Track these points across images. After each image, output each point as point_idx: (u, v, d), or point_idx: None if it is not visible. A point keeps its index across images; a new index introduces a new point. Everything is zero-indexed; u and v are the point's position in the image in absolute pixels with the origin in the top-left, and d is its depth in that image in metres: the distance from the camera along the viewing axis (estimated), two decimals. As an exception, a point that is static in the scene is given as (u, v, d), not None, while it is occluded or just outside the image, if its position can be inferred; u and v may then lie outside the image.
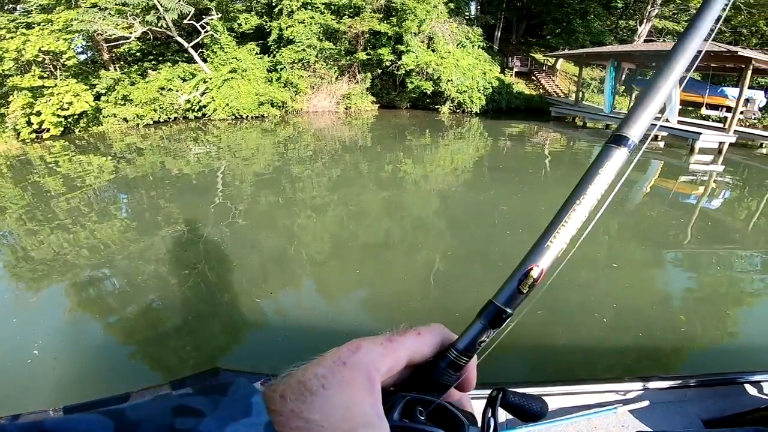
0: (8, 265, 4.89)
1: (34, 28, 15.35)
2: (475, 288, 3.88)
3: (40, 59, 15.14)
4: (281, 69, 16.93)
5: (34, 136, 14.43)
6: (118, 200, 7.56)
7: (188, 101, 15.27)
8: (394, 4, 15.89)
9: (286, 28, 16.40)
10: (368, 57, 16.72)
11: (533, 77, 20.93)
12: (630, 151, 0.26)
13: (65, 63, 15.59)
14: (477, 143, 12.66)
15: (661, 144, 12.45)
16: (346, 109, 17.27)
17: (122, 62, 18.73)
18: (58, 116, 14.41)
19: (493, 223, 5.85)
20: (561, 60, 20.89)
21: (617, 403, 1.65)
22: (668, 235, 5.55)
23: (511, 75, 19.93)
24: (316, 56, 16.86)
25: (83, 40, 16.81)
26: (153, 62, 17.52)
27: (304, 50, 16.53)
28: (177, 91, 15.47)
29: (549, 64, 21.85)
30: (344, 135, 13.59)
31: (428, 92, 16.57)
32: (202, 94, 15.51)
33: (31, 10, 15.94)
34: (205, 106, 15.52)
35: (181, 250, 5.03)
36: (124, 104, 15.54)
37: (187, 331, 3.44)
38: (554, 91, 20.11)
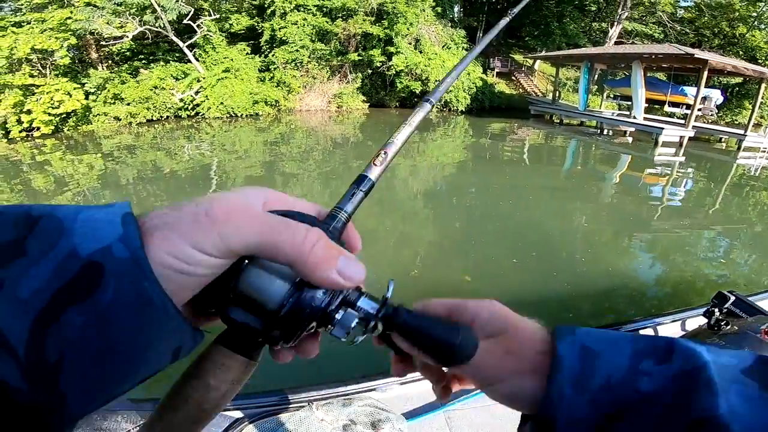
0: None
1: (23, 26, 15.33)
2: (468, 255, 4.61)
3: (30, 57, 15.13)
4: (274, 69, 17.37)
5: (24, 134, 14.42)
6: (111, 199, 7.95)
7: (182, 100, 15.55)
8: (385, 8, 16.59)
9: (279, 29, 16.85)
10: (359, 58, 17.35)
11: (513, 77, 22.01)
12: (431, 106, 0.37)
13: (56, 62, 15.61)
14: (463, 138, 13.50)
15: (629, 139, 13.58)
16: (337, 107, 17.85)
17: (110, 61, 18.78)
18: (50, 115, 14.48)
19: (477, 201, 6.62)
20: (539, 61, 22.03)
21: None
22: (632, 217, 6.45)
23: (493, 75, 20.96)
24: (309, 57, 17.38)
25: (75, 39, 16.83)
26: (144, 61, 17.64)
27: (297, 51, 17.02)
28: (171, 89, 15.71)
29: (528, 65, 22.97)
30: (335, 132, 14.19)
31: (417, 92, 17.33)
32: (197, 92, 15.81)
33: (21, 8, 15.89)
34: (198, 105, 15.82)
35: None
36: (115, 103, 15.66)
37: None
38: (533, 91, 21.22)
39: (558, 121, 16.57)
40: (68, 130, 15.24)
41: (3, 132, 14.76)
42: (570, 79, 21.76)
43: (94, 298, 0.19)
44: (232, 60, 17.16)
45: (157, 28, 15.95)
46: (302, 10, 16.97)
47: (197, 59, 16.94)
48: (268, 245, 0.24)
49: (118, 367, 0.21)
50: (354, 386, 1.19)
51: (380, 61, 17.05)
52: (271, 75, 17.41)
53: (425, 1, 17.22)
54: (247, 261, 0.25)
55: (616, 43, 20.59)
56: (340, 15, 17.35)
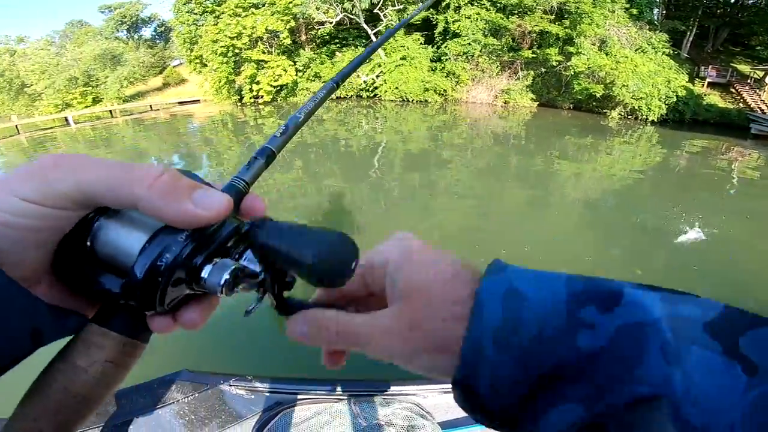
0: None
1: (260, 8, 19.52)
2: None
3: (263, 36, 19.36)
4: (445, 60, 18.16)
5: (252, 100, 18.82)
6: (299, 156, 9.71)
7: (365, 82, 17.72)
8: (567, 8, 15.51)
9: (453, 22, 17.45)
10: (533, 56, 16.72)
11: (733, 89, 17.84)
12: (336, 86, 0.38)
13: (281, 42, 19.60)
14: (647, 153, 11.83)
15: None
16: (504, 103, 17.67)
17: (314, 44, 22.50)
18: (272, 86, 18.43)
19: (650, 222, 5.63)
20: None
21: None
22: None
23: (703, 85, 17.40)
24: (480, 51, 17.57)
25: (294, 22, 20.66)
26: (338, 45, 20.67)
27: (469, 44, 17.39)
28: (357, 72, 18.07)
29: (756, 76, 18.25)
30: (498, 127, 14.14)
31: (597, 95, 15.79)
32: (377, 76, 17.78)
33: None
34: (377, 88, 17.81)
35: (332, 201, 6.50)
36: (314, 80, 18.88)
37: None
38: (758, 107, 16.85)
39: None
40: (280, 100, 19.16)
41: (238, 97, 19.53)
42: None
43: None
44: (407, 49, 18.59)
45: (352, 15, 18.39)
46: (476, 4, 17.13)
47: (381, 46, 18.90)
48: (105, 187, 0.20)
49: None
50: (397, 387, 1.14)
51: (557, 61, 16.07)
52: (442, 65, 18.23)
53: (616, 2, 15.38)
54: (99, 215, 0.22)
55: None
56: (515, 12, 16.91)
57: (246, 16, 18.93)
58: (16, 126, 21.49)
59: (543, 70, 17.11)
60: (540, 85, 17.47)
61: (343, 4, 18.38)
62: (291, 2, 18.77)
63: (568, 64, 15.70)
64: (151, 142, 15.10)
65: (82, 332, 0.23)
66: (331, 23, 18.58)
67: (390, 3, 18.79)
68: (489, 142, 11.78)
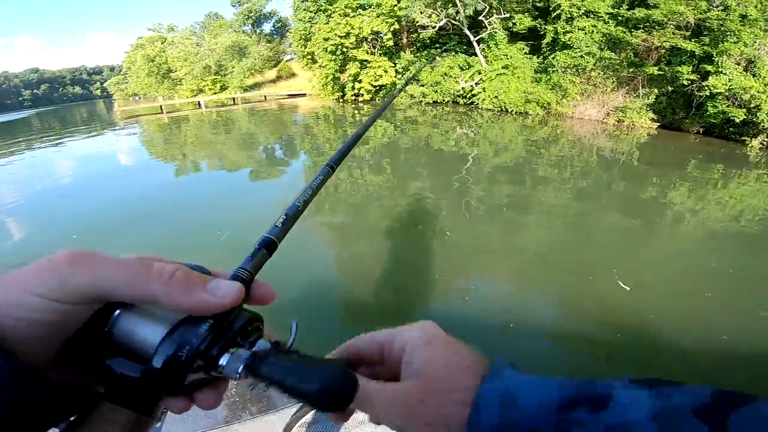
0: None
1: (366, 10, 20.38)
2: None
3: (368, 37, 20.28)
4: (552, 71, 17.11)
5: (353, 98, 19.94)
6: (390, 157, 9.92)
7: (463, 88, 17.57)
8: (708, 24, 13.45)
9: (563, 33, 16.30)
10: (660, 72, 14.87)
11: None
12: (332, 170, 0.38)
13: (384, 43, 20.37)
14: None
15: None
16: (617, 121, 16.09)
17: (414, 47, 22.89)
18: (372, 86, 19.29)
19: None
20: None
21: None
22: None
23: None
24: (594, 64, 16.19)
25: (398, 24, 21.17)
26: (437, 49, 20.75)
27: (581, 57, 16.14)
28: (456, 78, 17.98)
29: None
30: (606, 148, 12.94)
31: (737, 120, 13.53)
32: (476, 83, 17.50)
33: None
34: (475, 95, 17.53)
35: (416, 206, 6.48)
36: (411, 83, 19.26)
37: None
38: None
39: None
40: (378, 99, 19.95)
41: (340, 93, 20.84)
42: None
43: None
44: (510, 58, 17.90)
45: (456, 21, 18.26)
46: (592, 16, 15.69)
47: (482, 53, 18.53)
48: (123, 284, 0.22)
49: None
50: None
51: (688, 80, 14.07)
52: (548, 77, 17.20)
53: (771, 20, 12.89)
54: (120, 309, 0.24)
55: None
56: (641, 26, 15.14)
57: (354, 16, 20.00)
58: (161, 106, 25.84)
59: (670, 88, 15.14)
60: (664, 105, 15.48)
61: (447, 9, 18.38)
62: (396, 5, 19.35)
63: (704, 83, 13.67)
64: (260, 129, 16.93)
65: (95, 408, 0.24)
66: (433, 27, 18.69)
67: (495, 11, 18.28)
68: (593, 163, 10.87)
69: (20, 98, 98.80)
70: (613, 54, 15.84)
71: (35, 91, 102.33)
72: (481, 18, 17.91)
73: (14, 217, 7.32)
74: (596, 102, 16.61)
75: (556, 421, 0.23)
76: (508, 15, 18.08)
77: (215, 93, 31.11)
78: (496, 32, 18.33)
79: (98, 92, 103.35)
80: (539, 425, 0.24)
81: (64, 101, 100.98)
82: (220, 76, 32.84)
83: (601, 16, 15.89)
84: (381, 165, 9.40)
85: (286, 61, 36.83)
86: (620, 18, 15.66)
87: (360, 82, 19.14)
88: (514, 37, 19.43)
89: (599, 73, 16.42)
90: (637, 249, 5.48)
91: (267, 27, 39.69)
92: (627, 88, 16.22)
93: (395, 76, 19.48)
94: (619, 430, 0.22)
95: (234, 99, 27.58)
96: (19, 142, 18.55)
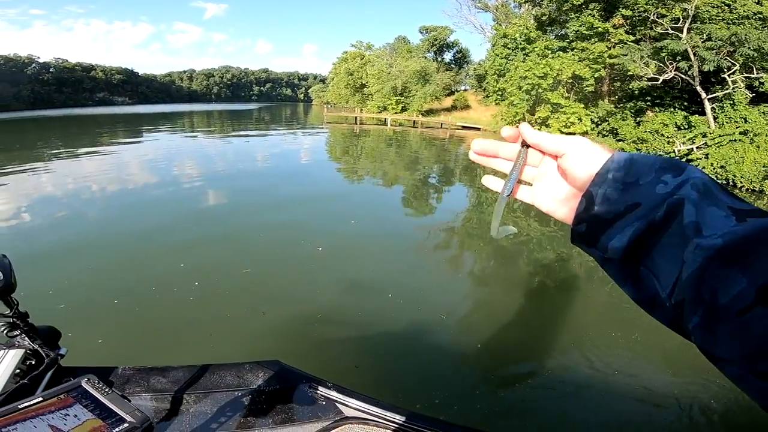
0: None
1: (567, 53, 19.37)
2: None
3: (567, 81, 19.30)
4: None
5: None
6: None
7: (678, 151, 15.13)
8: None
9: None
10: None
11: None
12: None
13: (582, 88, 19.09)
14: None
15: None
16: None
17: (615, 97, 20.68)
18: (561, 132, 18.36)
19: None
20: None
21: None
22: None
23: None
24: None
25: (604, 71, 19.51)
26: (648, 103, 18.17)
27: None
28: (669, 137, 15.61)
29: None
30: None
31: None
32: (697, 147, 14.84)
33: (568, 35, 20.04)
34: (692, 161, 14.85)
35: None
36: (607, 135, 17.50)
37: None
38: None
39: None
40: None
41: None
42: None
43: None
44: (750, 122, 14.45)
45: (687, 76, 15.70)
46: None
47: (712, 113, 15.50)
48: None
49: None
50: None
51: None
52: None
53: None
54: None
55: None
56: None
57: (553, 57, 19.30)
58: (356, 117, 30.18)
59: None
60: None
61: (677, 62, 15.98)
62: (607, 51, 17.80)
63: None
64: (426, 155, 17.85)
65: None
66: (656, 81, 16.41)
67: (743, 69, 14.99)
68: None
69: (251, 92, 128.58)
70: None
71: (261, 88, 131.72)
72: (723, 76, 15.07)
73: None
74: None
75: (654, 176, 0.34)
76: (757, 75, 14.74)
77: (396, 113, 34.44)
78: (736, 91, 15.17)
79: (301, 96, 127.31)
80: (643, 177, 0.34)
81: (277, 100, 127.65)
82: (403, 98, 36.19)
83: None
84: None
85: (463, 91, 38.22)
86: None
87: (548, 126, 18.37)
88: (759, 98, 15.72)
89: None
90: None
91: (447, 56, 42.15)
92: None
93: (589, 126, 18.04)
94: (683, 183, 0.32)
95: (414, 122, 30.06)
96: (247, 127, 25.42)
